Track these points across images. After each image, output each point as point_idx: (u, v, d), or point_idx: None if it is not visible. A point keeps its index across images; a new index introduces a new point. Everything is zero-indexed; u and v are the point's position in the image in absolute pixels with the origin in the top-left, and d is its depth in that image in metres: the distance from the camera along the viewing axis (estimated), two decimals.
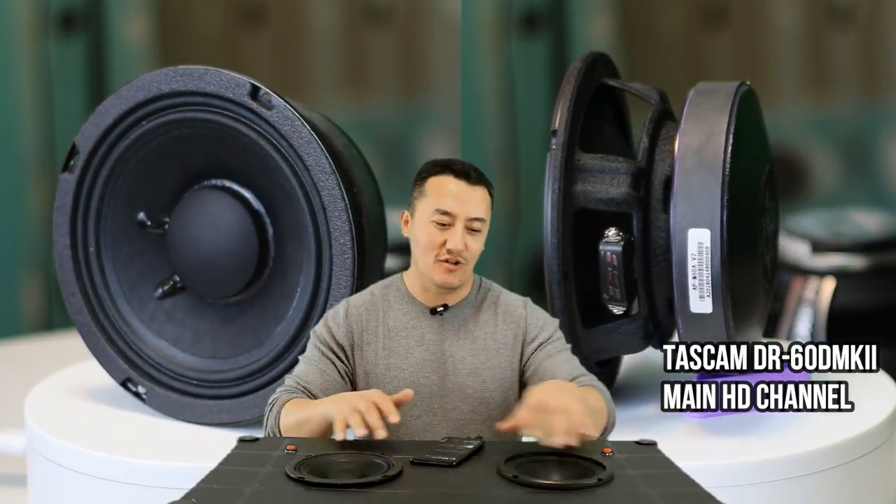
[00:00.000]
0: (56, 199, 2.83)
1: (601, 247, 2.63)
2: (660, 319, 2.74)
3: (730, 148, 2.62)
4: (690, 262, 2.58)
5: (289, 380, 2.19)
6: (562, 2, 4.46)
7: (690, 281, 2.58)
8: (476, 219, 2.13)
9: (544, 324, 2.21)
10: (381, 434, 1.99)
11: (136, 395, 2.84)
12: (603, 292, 2.64)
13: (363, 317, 2.19)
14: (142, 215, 2.84)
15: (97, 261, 2.83)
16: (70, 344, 3.99)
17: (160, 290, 2.84)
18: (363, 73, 4.49)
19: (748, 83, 2.78)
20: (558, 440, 1.95)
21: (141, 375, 2.83)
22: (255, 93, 2.69)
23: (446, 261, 2.13)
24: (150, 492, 2.55)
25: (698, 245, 2.57)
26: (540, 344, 2.19)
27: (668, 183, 2.67)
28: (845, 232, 3.72)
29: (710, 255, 2.57)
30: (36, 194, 4.37)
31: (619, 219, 2.68)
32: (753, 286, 2.72)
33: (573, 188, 2.66)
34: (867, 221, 3.80)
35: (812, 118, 4.53)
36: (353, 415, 2.00)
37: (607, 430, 2.13)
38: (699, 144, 2.62)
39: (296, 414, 2.10)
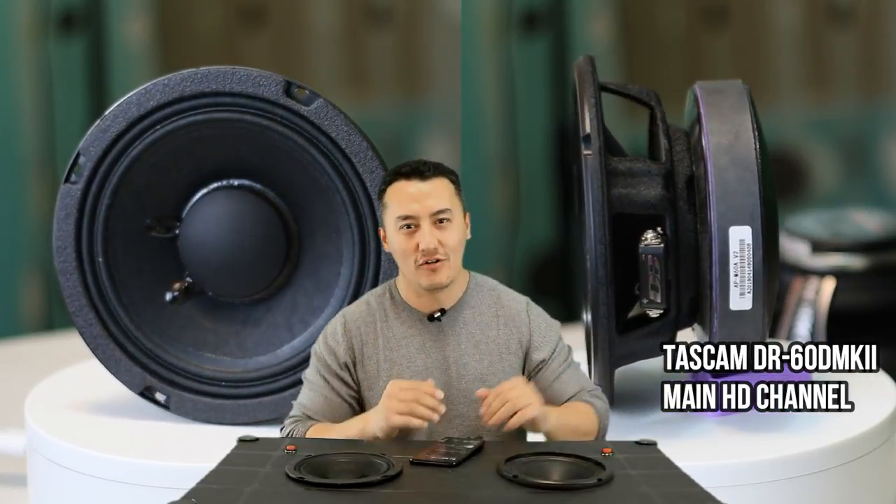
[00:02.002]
0: (57, 211, 2.76)
1: (642, 250, 2.61)
2: (680, 320, 2.74)
3: (758, 144, 2.63)
4: (732, 260, 2.58)
5: (295, 408, 2.20)
6: (562, 2, 4.46)
7: (732, 279, 2.58)
8: (440, 211, 2.11)
9: (546, 331, 2.20)
10: (437, 415, 2.05)
11: (157, 402, 2.81)
12: (642, 297, 2.61)
13: (362, 330, 2.18)
14: (149, 220, 2.82)
15: (106, 270, 2.78)
16: (70, 344, 3.98)
17: (170, 295, 2.83)
18: (363, 73, 4.49)
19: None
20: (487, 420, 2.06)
21: (163, 382, 2.80)
22: (288, 89, 2.71)
23: (426, 262, 2.12)
24: (150, 492, 2.55)
25: (740, 242, 2.57)
26: (544, 360, 2.18)
27: (690, 182, 2.66)
28: (845, 232, 3.72)
29: (751, 252, 2.57)
30: (36, 194, 4.37)
31: (646, 221, 2.67)
32: (777, 282, 2.74)
33: (610, 192, 2.65)
34: (867, 221, 3.80)
35: (812, 118, 4.53)
36: (398, 417, 2.04)
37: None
38: (729, 142, 2.62)
39: (322, 434, 2.12)
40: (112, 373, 2.82)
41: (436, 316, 2.16)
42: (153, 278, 2.83)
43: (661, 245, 2.60)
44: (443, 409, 2.05)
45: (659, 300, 2.60)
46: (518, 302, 2.21)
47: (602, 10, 4.48)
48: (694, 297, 2.68)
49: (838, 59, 4.52)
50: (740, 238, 2.57)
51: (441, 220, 2.11)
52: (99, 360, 2.82)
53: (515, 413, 2.05)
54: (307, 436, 2.13)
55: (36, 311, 4.46)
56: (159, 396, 2.81)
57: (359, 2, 4.51)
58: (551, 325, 2.21)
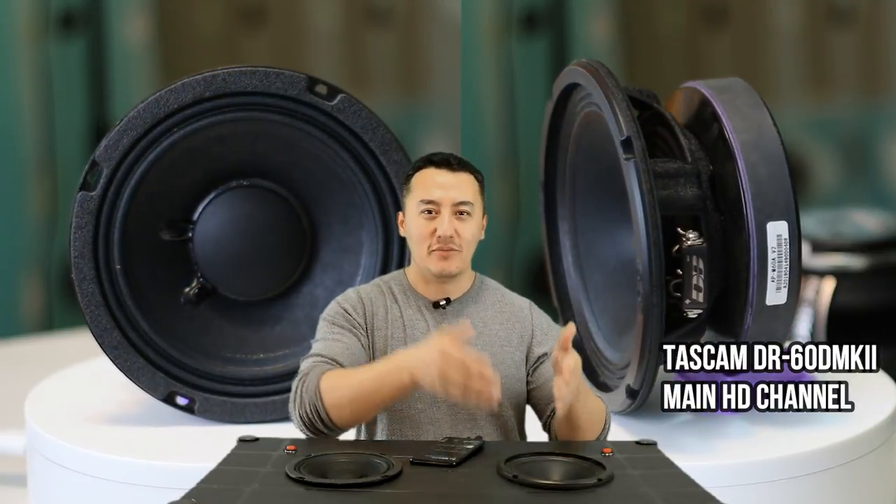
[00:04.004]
0: (75, 219, 2.71)
1: (686, 250, 2.57)
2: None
3: (781, 139, 2.64)
4: (770, 255, 2.58)
5: (306, 362, 2.12)
6: (562, 2, 4.46)
7: (770, 274, 2.58)
8: (462, 202, 2.13)
9: (549, 331, 2.21)
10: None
11: (179, 407, 2.79)
12: (685, 297, 2.59)
13: (373, 302, 2.18)
14: (161, 224, 2.81)
15: (124, 278, 2.76)
16: (70, 344, 3.99)
17: (183, 298, 2.82)
18: (363, 72, 4.49)
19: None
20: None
21: (187, 387, 2.79)
22: (312, 86, 2.74)
23: (440, 249, 2.13)
24: (150, 492, 2.54)
25: (777, 237, 2.58)
26: (545, 353, 2.18)
27: (712, 181, 2.66)
28: (845, 232, 3.72)
29: (788, 247, 2.58)
30: (36, 194, 4.37)
31: (677, 222, 2.65)
32: None
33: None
34: (867, 221, 3.80)
35: (812, 118, 4.53)
36: (455, 390, 1.98)
37: (601, 436, 2.15)
38: (754, 139, 2.63)
39: (352, 379, 2.04)
40: (133, 380, 2.78)
41: (441, 304, 2.18)
42: (168, 282, 2.82)
43: (705, 245, 2.58)
44: (495, 408, 2.02)
45: (701, 300, 2.58)
46: (521, 301, 2.24)
47: (602, 10, 4.49)
48: (717, 296, 2.68)
49: (838, 59, 4.53)
50: (777, 233, 2.58)
51: (461, 213, 2.14)
52: (119, 368, 2.77)
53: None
54: (329, 377, 2.05)
55: (36, 311, 4.46)
56: (180, 401, 2.79)
57: (359, 2, 4.51)
58: (553, 325, 2.23)
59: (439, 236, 2.12)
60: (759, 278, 2.59)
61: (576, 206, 3.04)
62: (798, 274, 2.60)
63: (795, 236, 2.60)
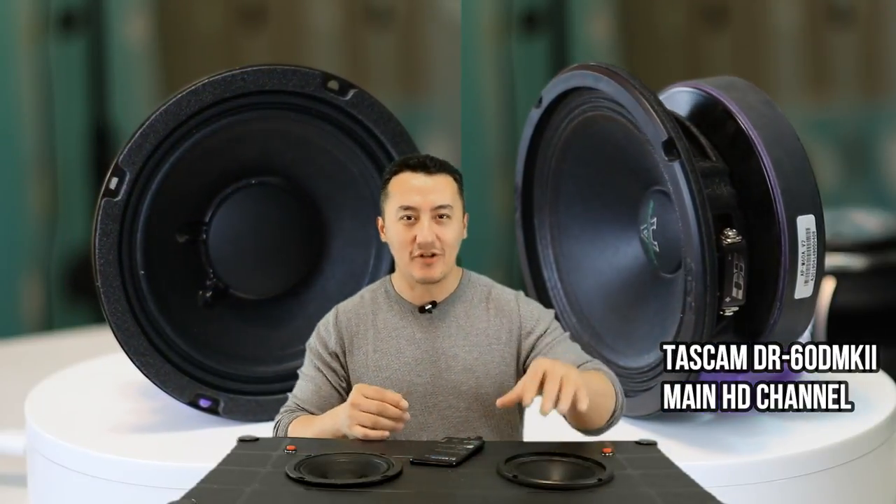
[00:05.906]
0: (100, 226, 2.68)
1: (727, 248, 2.56)
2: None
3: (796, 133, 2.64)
4: (801, 249, 2.59)
5: (289, 399, 2.23)
6: (562, 2, 4.47)
7: (800, 267, 2.59)
8: (441, 206, 2.12)
9: (539, 316, 2.19)
10: (401, 425, 2.05)
11: (203, 409, 2.78)
12: (725, 295, 2.57)
13: (353, 321, 2.19)
14: (178, 226, 2.81)
15: (147, 283, 2.74)
16: (70, 344, 4.00)
17: (199, 300, 2.82)
18: (363, 73, 4.49)
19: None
20: (546, 405, 1.94)
21: (212, 389, 2.78)
22: (325, 82, 2.78)
23: (421, 255, 2.12)
24: (150, 492, 2.55)
25: (806, 231, 2.58)
26: (538, 336, 2.17)
27: (731, 178, 2.66)
28: (845, 232, 3.72)
29: (816, 240, 2.59)
30: (36, 194, 4.37)
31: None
32: None
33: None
34: (867, 221, 3.80)
35: (812, 118, 4.54)
36: (360, 429, 2.04)
37: (616, 413, 2.12)
38: (774, 135, 2.63)
39: (304, 430, 2.14)
40: (159, 385, 2.75)
41: (427, 307, 2.17)
42: (186, 285, 2.81)
43: (744, 242, 2.58)
44: (408, 417, 2.05)
45: (741, 297, 2.58)
46: (508, 293, 2.22)
47: (602, 10, 4.49)
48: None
49: (838, 59, 4.53)
50: (806, 227, 2.59)
51: (441, 216, 2.12)
52: (145, 374, 2.75)
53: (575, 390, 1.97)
54: (290, 426, 2.16)
55: (36, 311, 4.46)
56: (203, 403, 2.78)
57: (359, 2, 4.52)
58: (543, 311, 2.21)
59: (420, 243, 2.12)
60: (790, 272, 2.59)
61: (559, 212, 3.02)
62: (823, 266, 2.62)
63: (822, 229, 2.61)
